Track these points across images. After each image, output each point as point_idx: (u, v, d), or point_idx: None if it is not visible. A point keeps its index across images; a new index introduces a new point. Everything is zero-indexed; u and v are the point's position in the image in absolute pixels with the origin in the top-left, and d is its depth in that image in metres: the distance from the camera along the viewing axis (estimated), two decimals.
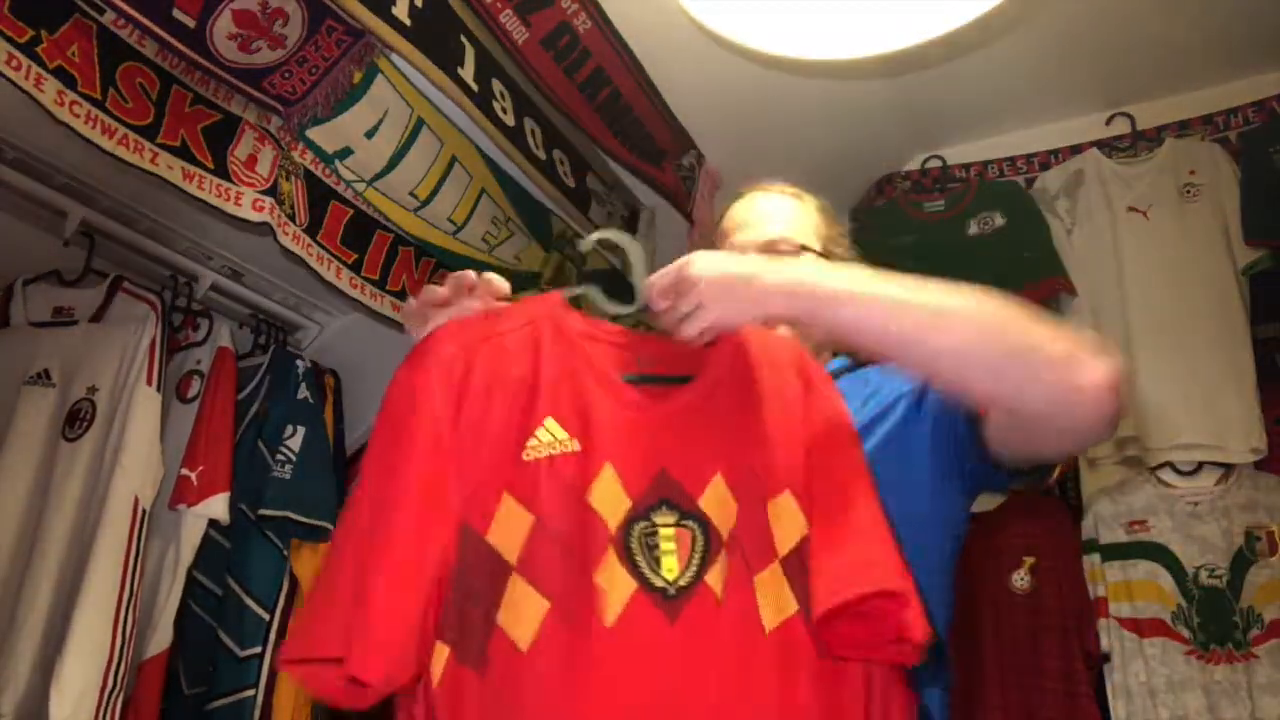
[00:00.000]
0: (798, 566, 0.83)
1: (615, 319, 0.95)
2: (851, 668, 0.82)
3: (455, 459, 0.83)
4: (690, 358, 0.92)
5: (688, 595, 0.81)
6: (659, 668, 0.78)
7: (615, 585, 0.79)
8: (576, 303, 0.97)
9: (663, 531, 0.83)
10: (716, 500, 0.86)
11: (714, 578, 0.82)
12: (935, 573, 1.00)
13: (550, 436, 0.85)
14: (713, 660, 0.79)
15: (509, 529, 0.81)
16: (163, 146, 1.53)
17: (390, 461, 0.83)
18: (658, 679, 0.78)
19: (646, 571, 0.81)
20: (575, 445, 0.85)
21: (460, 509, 0.82)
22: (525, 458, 0.84)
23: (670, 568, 0.81)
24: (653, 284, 0.93)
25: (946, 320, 0.85)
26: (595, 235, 1.05)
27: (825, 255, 1.22)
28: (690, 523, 0.84)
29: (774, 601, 0.82)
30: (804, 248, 1.20)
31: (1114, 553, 2.19)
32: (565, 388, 0.88)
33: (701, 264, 0.91)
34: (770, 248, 1.18)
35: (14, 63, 1.32)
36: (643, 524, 0.83)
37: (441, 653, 0.78)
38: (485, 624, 0.79)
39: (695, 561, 0.82)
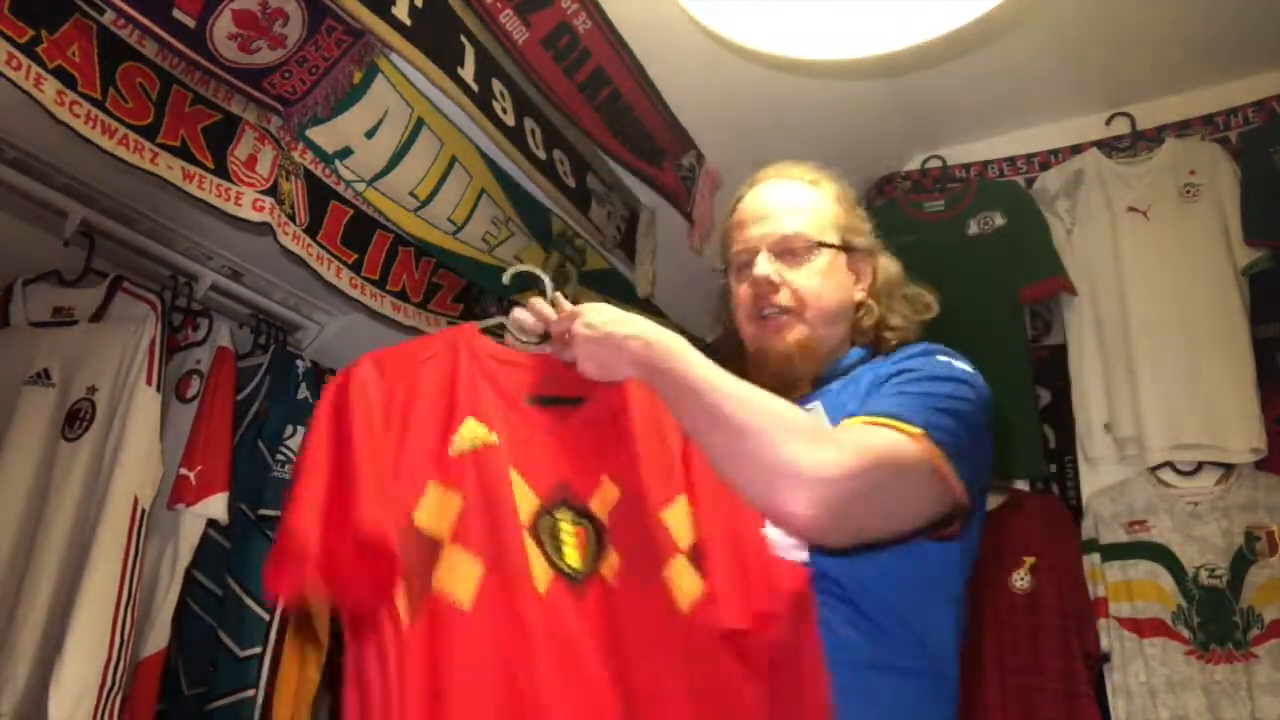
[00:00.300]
0: (699, 558, 0.96)
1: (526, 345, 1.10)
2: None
3: (386, 459, 0.93)
4: (586, 379, 1.05)
5: (589, 581, 0.96)
6: (581, 637, 0.92)
7: (537, 564, 0.93)
8: (495, 332, 1.11)
9: (564, 527, 0.98)
10: (606, 505, 1.00)
11: (607, 569, 0.97)
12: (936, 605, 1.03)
13: (472, 433, 0.97)
14: (622, 637, 0.93)
15: (438, 511, 0.93)
16: (163, 146, 1.53)
17: (333, 455, 0.92)
18: (583, 647, 0.92)
19: (555, 559, 0.96)
20: (495, 438, 0.98)
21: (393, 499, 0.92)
22: (451, 453, 0.96)
23: (572, 558, 0.96)
24: (551, 325, 1.07)
25: (716, 427, 0.94)
26: (514, 270, 1.16)
27: (844, 247, 1.19)
28: (585, 522, 0.99)
29: (685, 586, 0.95)
30: (821, 244, 1.17)
31: (1114, 553, 2.19)
32: (480, 398, 1.01)
33: (588, 320, 1.03)
34: (784, 244, 1.17)
35: (14, 63, 1.31)
36: (548, 519, 0.98)
37: (402, 600, 0.88)
38: (421, 591, 0.88)
39: (590, 554, 0.97)
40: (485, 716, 0.86)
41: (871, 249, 1.22)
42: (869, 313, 1.19)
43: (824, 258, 1.17)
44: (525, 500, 0.96)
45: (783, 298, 1.15)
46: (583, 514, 0.98)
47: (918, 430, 0.93)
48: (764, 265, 1.16)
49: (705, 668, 0.92)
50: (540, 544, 0.95)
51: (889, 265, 1.23)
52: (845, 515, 0.89)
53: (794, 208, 1.20)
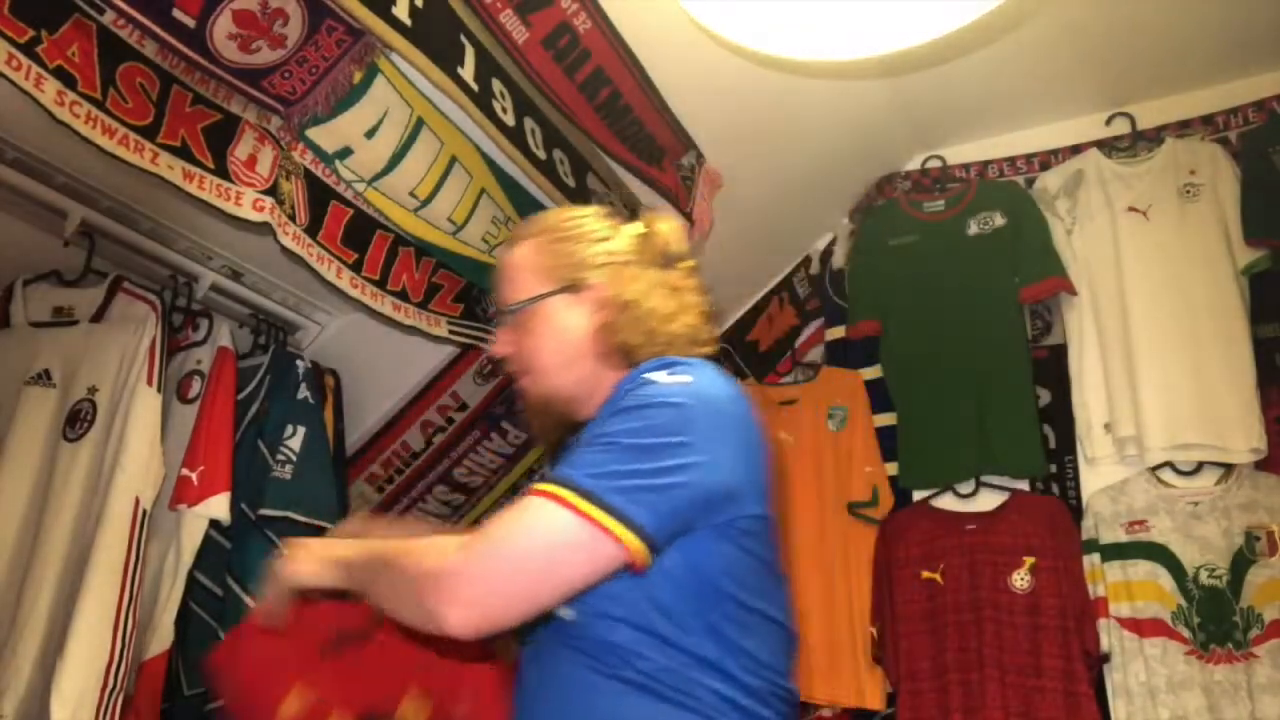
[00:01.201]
0: None
1: None
2: None
3: None
4: (364, 615, 1.23)
5: None
6: None
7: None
8: None
9: None
10: (415, 705, 1.23)
11: None
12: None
13: (292, 705, 1.18)
14: None
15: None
16: (163, 146, 1.53)
17: None
18: None
19: None
20: (305, 700, 1.18)
21: None
22: None
23: None
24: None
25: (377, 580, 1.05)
26: None
27: (559, 290, 1.15)
28: None
29: None
30: (521, 305, 1.17)
31: (1114, 553, 2.19)
32: (304, 662, 1.21)
33: (274, 584, 1.14)
34: (505, 313, 1.21)
35: (14, 63, 1.31)
36: None
37: None
38: None
39: None
40: None
41: (603, 280, 1.15)
42: (609, 337, 1.14)
43: (534, 315, 1.17)
44: None
45: (513, 363, 1.21)
46: None
47: (552, 489, 0.93)
48: (494, 342, 1.24)
49: None
50: None
51: (627, 282, 1.15)
52: (487, 605, 0.92)
53: (501, 278, 1.22)
